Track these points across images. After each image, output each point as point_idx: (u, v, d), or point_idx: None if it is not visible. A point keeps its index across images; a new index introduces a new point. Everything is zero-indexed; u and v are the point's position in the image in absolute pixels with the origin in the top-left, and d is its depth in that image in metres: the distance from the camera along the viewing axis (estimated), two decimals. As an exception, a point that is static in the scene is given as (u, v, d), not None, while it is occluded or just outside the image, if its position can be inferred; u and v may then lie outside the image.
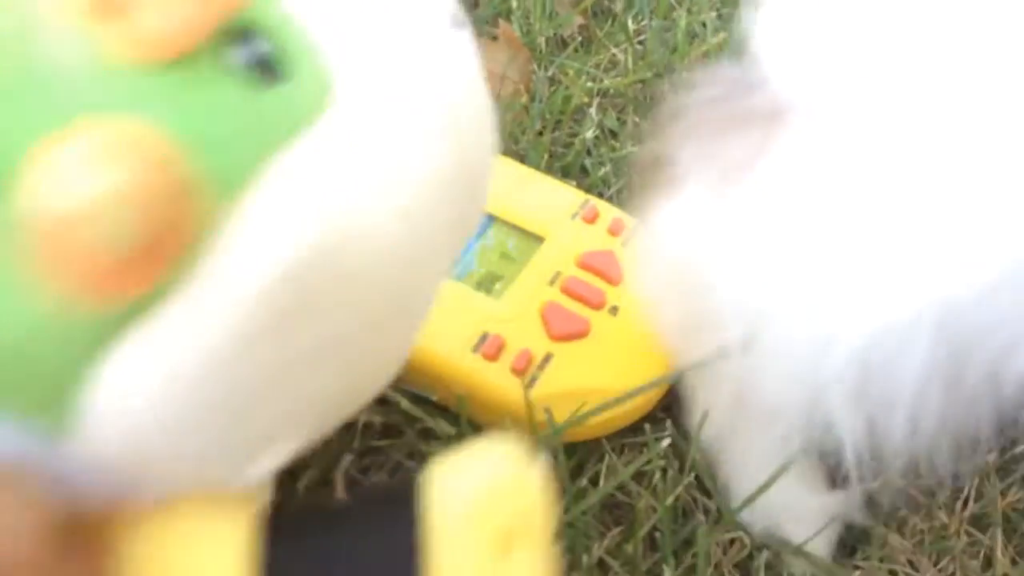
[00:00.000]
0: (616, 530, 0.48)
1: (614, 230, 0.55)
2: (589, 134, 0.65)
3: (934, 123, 0.36)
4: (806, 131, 0.39)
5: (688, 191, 0.43)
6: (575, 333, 0.50)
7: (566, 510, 0.46)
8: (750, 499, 0.46)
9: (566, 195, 0.58)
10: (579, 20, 0.75)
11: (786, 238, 0.40)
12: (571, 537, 0.46)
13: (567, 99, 0.68)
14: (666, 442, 0.48)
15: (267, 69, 0.29)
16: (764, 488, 0.45)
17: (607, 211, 0.57)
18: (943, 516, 0.50)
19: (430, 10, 0.35)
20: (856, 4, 0.39)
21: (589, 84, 0.70)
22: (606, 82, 0.71)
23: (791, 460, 0.44)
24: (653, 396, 0.49)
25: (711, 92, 0.44)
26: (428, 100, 0.33)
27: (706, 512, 0.49)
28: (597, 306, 0.51)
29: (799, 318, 0.40)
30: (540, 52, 0.72)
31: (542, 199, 0.57)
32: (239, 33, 0.29)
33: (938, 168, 0.36)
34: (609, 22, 0.77)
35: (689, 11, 0.79)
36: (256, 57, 0.29)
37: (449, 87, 0.34)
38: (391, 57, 0.33)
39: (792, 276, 0.40)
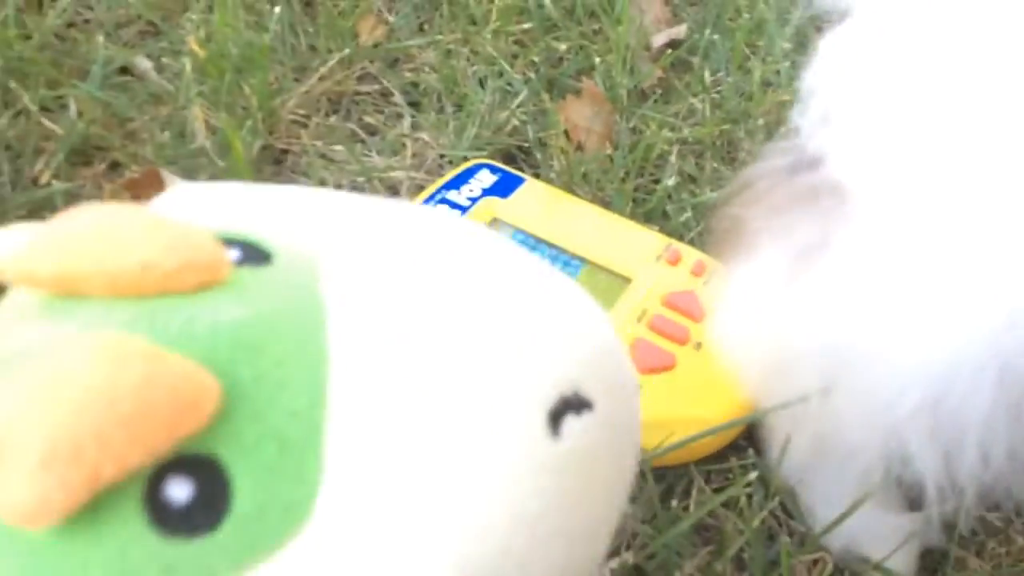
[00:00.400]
0: (705, 550, 0.51)
1: (696, 271, 0.59)
2: (670, 181, 0.69)
3: (989, 191, 0.40)
4: (868, 205, 0.44)
5: (764, 259, 0.47)
6: (662, 366, 0.54)
7: (659, 531, 0.50)
8: (832, 525, 0.49)
9: (650, 239, 0.62)
10: (658, 73, 0.80)
11: (860, 296, 0.44)
12: (664, 557, 0.50)
13: (648, 148, 0.72)
14: (753, 474, 0.51)
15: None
16: (845, 516, 0.48)
17: (689, 254, 0.61)
18: (1020, 540, 0.52)
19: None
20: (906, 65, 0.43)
21: (669, 133, 0.74)
22: (685, 131, 0.75)
23: (871, 491, 0.48)
24: (737, 427, 0.53)
25: (777, 163, 0.49)
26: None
27: (790, 533, 0.52)
28: (682, 341, 0.55)
29: (875, 365, 0.44)
30: (622, 104, 0.76)
31: (628, 243, 0.61)
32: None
33: (994, 227, 0.40)
34: (687, 74, 0.81)
35: (764, 61, 0.83)
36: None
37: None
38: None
39: (867, 327, 0.44)
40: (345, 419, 0.25)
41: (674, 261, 0.61)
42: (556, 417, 0.27)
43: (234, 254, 0.27)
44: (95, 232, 0.25)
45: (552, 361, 0.28)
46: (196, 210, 0.30)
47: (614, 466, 0.30)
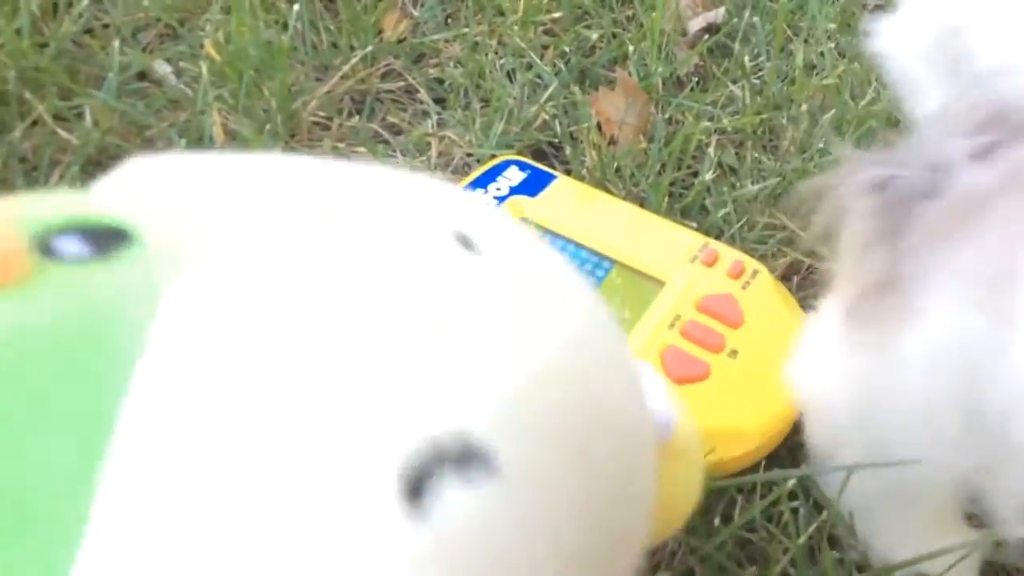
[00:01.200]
0: (752, 569, 0.48)
1: (734, 273, 0.56)
2: (708, 175, 0.66)
3: None
4: None
5: (942, 311, 0.38)
6: (695, 376, 0.50)
7: (697, 546, 0.47)
8: (903, 565, 0.46)
9: (686, 238, 0.59)
10: (695, 60, 0.76)
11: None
12: (707, 572, 0.47)
13: (686, 140, 0.68)
14: (791, 483, 0.48)
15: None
16: (920, 560, 0.45)
17: (727, 254, 0.57)
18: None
19: None
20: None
21: (707, 123, 0.70)
22: (724, 120, 0.71)
23: (947, 547, 0.44)
24: (776, 437, 0.50)
25: (881, 174, 0.41)
26: None
27: (832, 544, 0.48)
28: (717, 349, 0.52)
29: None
30: (657, 94, 0.73)
31: (662, 243, 0.58)
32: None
33: None
34: (725, 60, 0.77)
35: (806, 42, 0.79)
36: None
37: None
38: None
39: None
40: (125, 487, 0.18)
41: (711, 262, 0.57)
42: (417, 485, 0.18)
43: (72, 246, 0.21)
44: None
45: (418, 398, 0.19)
46: (139, 186, 0.26)
47: (564, 559, 0.20)
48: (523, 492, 0.19)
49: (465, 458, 0.18)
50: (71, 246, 0.21)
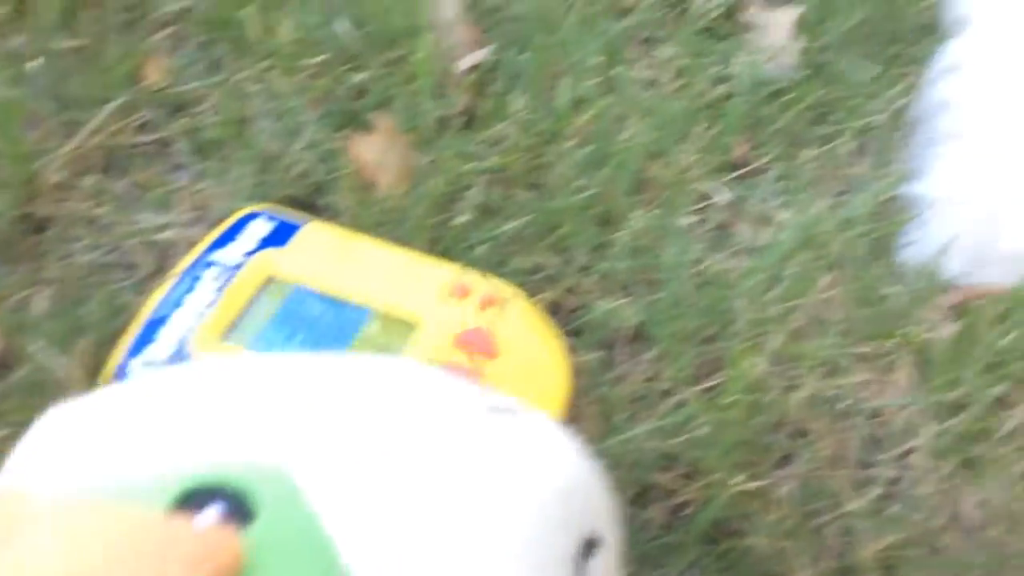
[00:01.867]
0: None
1: (486, 303, 0.56)
2: (466, 216, 0.66)
3: None
4: None
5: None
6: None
7: None
8: None
9: (439, 273, 0.58)
10: (464, 99, 0.76)
11: None
12: None
13: (447, 182, 0.68)
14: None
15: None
16: None
17: (479, 285, 0.57)
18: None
19: None
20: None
21: (470, 164, 0.70)
22: (489, 161, 0.71)
23: None
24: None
25: None
26: None
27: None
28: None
29: None
30: (422, 136, 0.73)
31: (416, 281, 0.58)
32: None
33: None
34: (491, 100, 0.77)
35: (573, 77, 0.80)
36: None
37: None
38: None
39: None
40: None
41: (463, 294, 0.57)
42: None
43: (213, 514, 0.27)
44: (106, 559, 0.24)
45: None
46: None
47: None
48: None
49: None
50: (214, 513, 0.27)
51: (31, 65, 0.70)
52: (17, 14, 0.75)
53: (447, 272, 0.59)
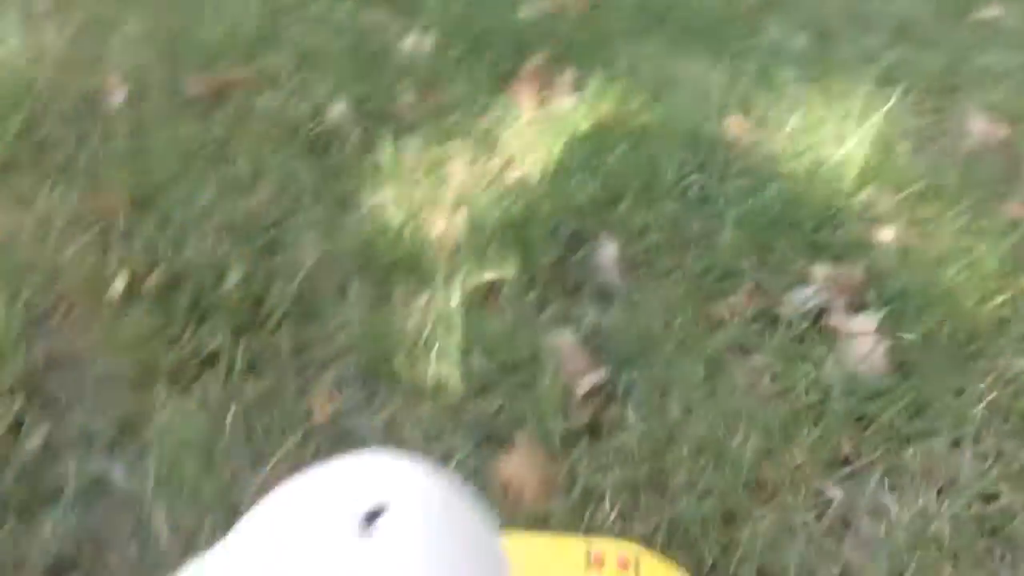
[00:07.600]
0: None
1: (622, 565, 0.60)
2: (604, 519, 0.74)
3: None
4: None
5: None
6: None
7: None
8: None
9: (572, 546, 0.61)
10: (587, 415, 0.86)
11: None
12: None
13: (584, 491, 0.76)
14: None
15: None
16: None
17: (611, 550, 0.62)
18: None
19: None
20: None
21: (599, 475, 0.79)
22: (615, 472, 0.80)
23: None
24: None
25: None
26: None
27: None
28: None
29: None
30: (555, 450, 0.82)
31: (553, 557, 0.63)
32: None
33: None
34: (611, 414, 0.87)
35: (679, 392, 0.89)
36: None
37: None
38: None
39: None
40: None
41: (600, 563, 0.63)
42: None
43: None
44: None
45: None
46: None
47: None
48: None
49: None
50: None
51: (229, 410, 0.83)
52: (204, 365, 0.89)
53: (579, 544, 0.65)
